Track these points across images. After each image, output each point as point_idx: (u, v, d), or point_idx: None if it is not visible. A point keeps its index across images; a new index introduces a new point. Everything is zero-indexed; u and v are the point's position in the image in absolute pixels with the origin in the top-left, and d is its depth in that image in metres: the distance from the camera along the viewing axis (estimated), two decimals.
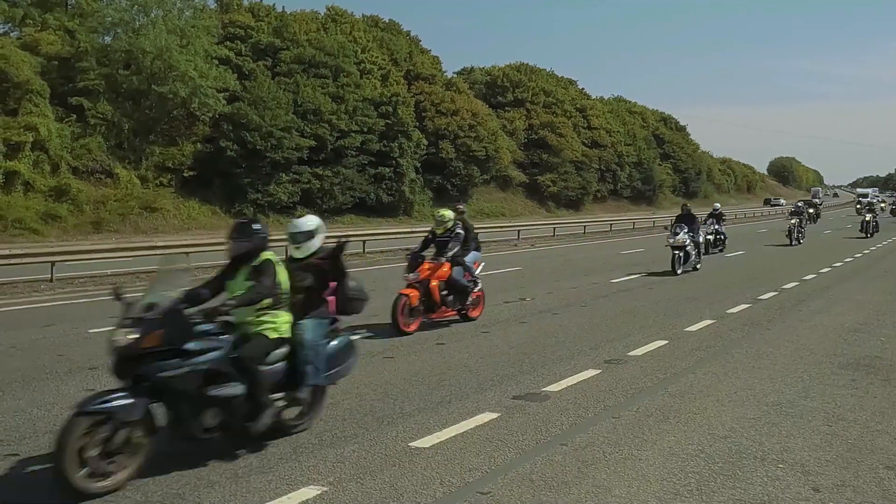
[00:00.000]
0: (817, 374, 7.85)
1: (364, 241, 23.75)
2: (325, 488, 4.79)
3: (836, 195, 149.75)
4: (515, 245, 28.18)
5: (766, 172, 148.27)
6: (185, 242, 19.94)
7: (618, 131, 66.03)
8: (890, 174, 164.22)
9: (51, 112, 29.84)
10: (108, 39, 33.65)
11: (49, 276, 15.82)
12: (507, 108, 56.70)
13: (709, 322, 10.91)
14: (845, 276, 17.41)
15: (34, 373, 7.87)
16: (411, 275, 10.28)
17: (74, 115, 31.07)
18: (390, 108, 40.84)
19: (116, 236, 26.72)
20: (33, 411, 6.48)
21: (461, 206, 12.27)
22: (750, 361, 8.42)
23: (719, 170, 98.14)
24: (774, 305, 12.71)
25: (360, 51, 42.91)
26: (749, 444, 5.64)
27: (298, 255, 6.28)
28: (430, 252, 10.67)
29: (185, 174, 33.72)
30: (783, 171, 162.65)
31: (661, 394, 7.07)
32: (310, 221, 6.41)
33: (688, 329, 10.36)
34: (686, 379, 7.64)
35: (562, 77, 66.66)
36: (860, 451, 5.53)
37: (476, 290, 10.90)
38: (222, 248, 19.75)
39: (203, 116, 34.77)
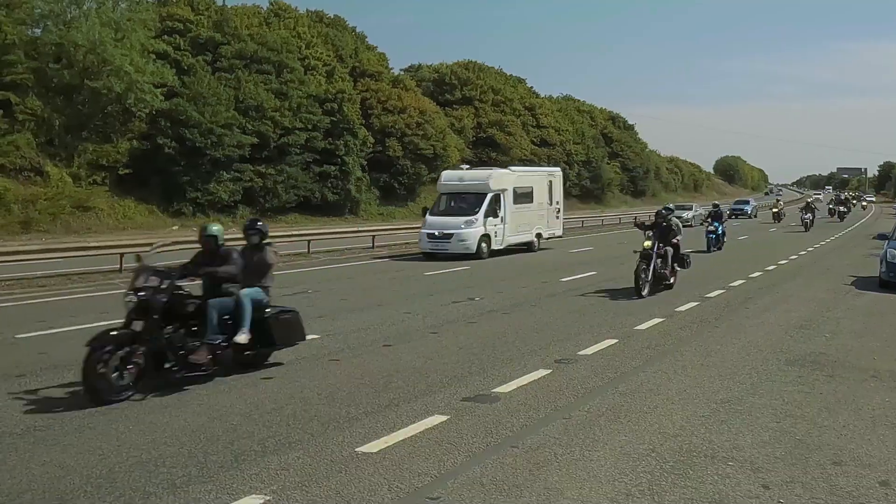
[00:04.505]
0: (765, 370, 7.95)
1: (309, 241, 23.36)
2: (267, 497, 4.62)
3: (780, 193, 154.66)
4: None
5: (712, 171, 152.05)
6: (119, 243, 19.20)
7: (566, 130, 66.79)
8: (832, 173, 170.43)
9: None
10: (37, 32, 32.33)
11: None
12: (455, 106, 56.74)
13: (658, 320, 10.98)
14: (790, 274, 17.80)
15: None
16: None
17: (1, 111, 29.76)
18: (335, 105, 40.40)
19: (46, 237, 25.62)
20: None
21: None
22: (699, 359, 8.49)
23: (667, 169, 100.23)
24: (722, 303, 12.91)
25: (304, 46, 42.34)
26: (699, 443, 5.64)
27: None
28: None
29: (120, 172, 32.68)
30: (729, 170, 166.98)
31: (611, 393, 7.04)
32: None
33: (638, 328, 10.41)
34: (636, 378, 7.64)
35: (510, 75, 67.12)
36: (808, 448, 5.57)
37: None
38: (159, 248, 19.00)
39: (139, 113, 33.77)
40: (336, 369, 8.00)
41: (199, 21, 39.30)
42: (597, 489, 4.76)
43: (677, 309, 12.07)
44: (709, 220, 25.29)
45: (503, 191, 22.67)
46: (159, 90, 33.61)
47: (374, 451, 5.42)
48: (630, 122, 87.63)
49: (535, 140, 61.56)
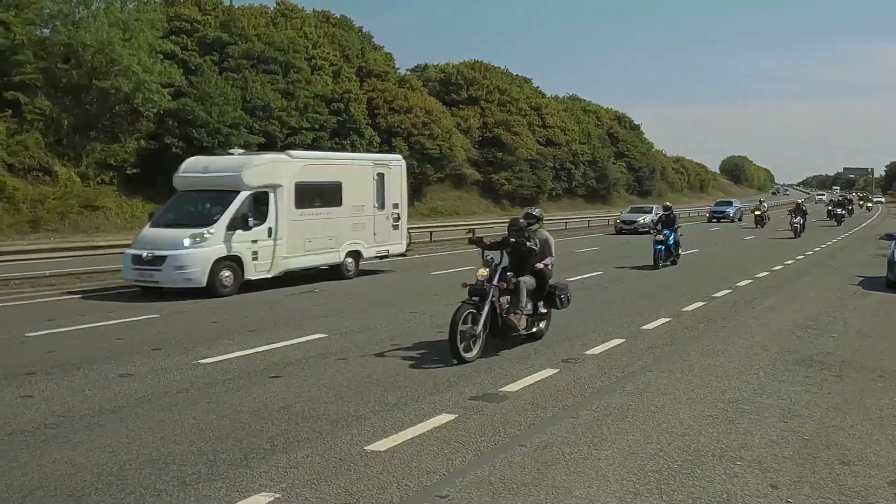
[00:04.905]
0: (772, 370, 7.93)
1: None
2: (277, 495, 4.63)
3: (786, 193, 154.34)
4: None
5: (718, 171, 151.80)
6: (128, 242, 19.23)
7: (572, 130, 66.73)
8: (839, 173, 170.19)
9: None
10: (46, 32, 32.49)
11: None
12: (461, 106, 56.73)
13: (665, 320, 10.98)
14: (797, 274, 17.73)
15: None
16: None
17: (10, 111, 29.91)
18: (342, 105, 40.47)
19: (55, 236, 25.79)
20: None
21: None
22: (706, 359, 8.48)
23: (672, 168, 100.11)
24: (729, 303, 12.86)
25: (310, 46, 42.44)
26: (707, 442, 5.63)
27: None
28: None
29: (128, 172, 32.82)
30: (735, 170, 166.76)
31: (619, 393, 7.04)
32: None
33: (644, 327, 10.41)
34: (644, 377, 7.63)
35: (516, 75, 67.10)
36: (816, 447, 5.57)
37: None
38: None
39: (147, 112, 33.88)
40: (343, 368, 8.01)
41: (206, 21, 39.42)
42: (605, 488, 4.76)
43: (684, 309, 12.07)
44: (657, 227, 19.91)
45: (273, 188, 14.55)
46: (167, 90, 33.69)
47: (383, 449, 5.43)
48: (636, 122, 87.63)
49: (540, 140, 61.51)
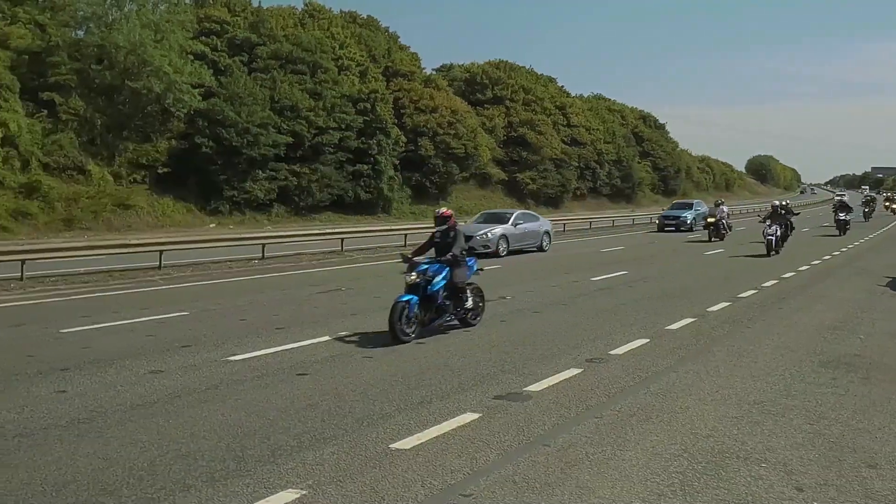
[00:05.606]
0: (798, 372, 7.85)
1: (342, 239, 23.60)
2: (304, 491, 4.69)
3: (813, 192, 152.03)
4: None
5: (744, 171, 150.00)
6: (159, 240, 19.63)
7: (597, 129, 66.35)
8: (866, 172, 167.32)
9: (21, 107, 29.32)
10: (80, 34, 33.23)
11: (19, 274, 15.50)
12: (486, 106, 56.70)
13: (689, 320, 10.90)
14: (823, 275, 17.49)
15: (2, 374, 7.65)
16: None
17: (45, 111, 30.56)
18: (368, 105, 40.68)
19: (89, 234, 26.29)
20: (2, 414, 6.29)
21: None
22: (731, 360, 8.41)
23: (698, 168, 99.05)
24: (755, 304, 12.73)
25: (337, 47, 42.74)
26: (732, 444, 5.61)
27: None
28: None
29: (159, 171, 33.36)
30: (761, 170, 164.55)
31: (643, 393, 7.02)
32: None
33: (669, 327, 10.34)
34: (668, 378, 7.60)
35: (541, 74, 66.87)
36: (842, 450, 5.51)
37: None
38: (197, 245, 19.38)
39: (178, 112, 34.40)
40: (369, 366, 8.07)
41: (235, 22, 39.93)
42: (628, 489, 4.77)
43: (709, 309, 11.96)
44: (416, 266, 9.70)
45: None
46: (197, 90, 34.21)
47: (408, 447, 5.48)
48: (661, 122, 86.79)
49: (565, 139, 61.23)
